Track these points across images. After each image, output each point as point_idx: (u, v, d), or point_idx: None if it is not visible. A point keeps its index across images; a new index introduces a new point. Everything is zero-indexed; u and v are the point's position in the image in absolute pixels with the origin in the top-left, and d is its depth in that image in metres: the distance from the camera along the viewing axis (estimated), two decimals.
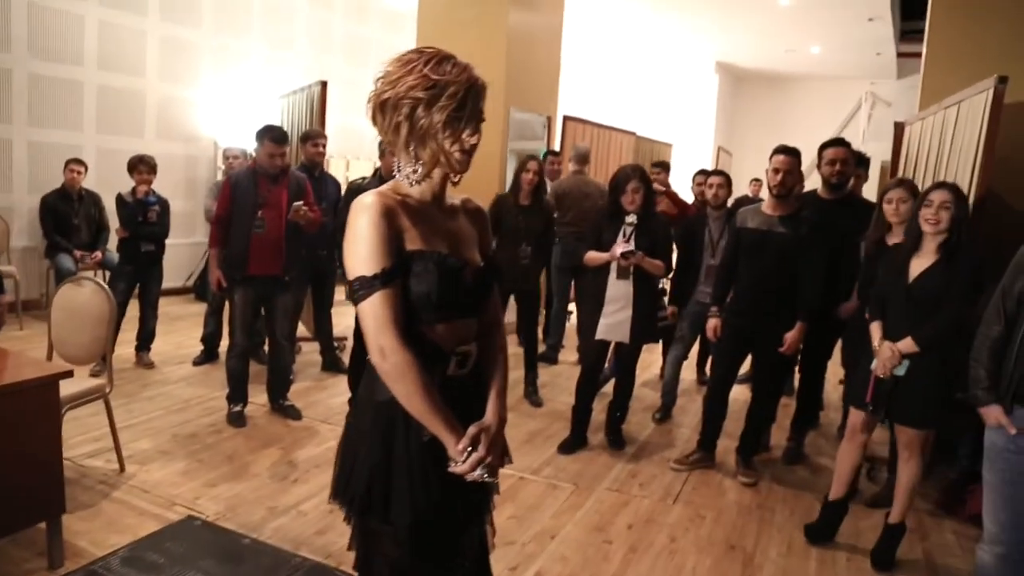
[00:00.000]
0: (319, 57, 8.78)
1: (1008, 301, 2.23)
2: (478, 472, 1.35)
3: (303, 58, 8.58)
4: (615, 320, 3.81)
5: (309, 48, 8.71)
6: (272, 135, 3.90)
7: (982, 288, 2.66)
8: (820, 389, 4.37)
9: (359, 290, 1.32)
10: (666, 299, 4.47)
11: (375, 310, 1.31)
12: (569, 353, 5.84)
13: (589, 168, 6.01)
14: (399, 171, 1.43)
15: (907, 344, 2.77)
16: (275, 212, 3.92)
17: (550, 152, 6.39)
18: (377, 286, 1.31)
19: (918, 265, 2.80)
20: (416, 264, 1.36)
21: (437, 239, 1.41)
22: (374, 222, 1.32)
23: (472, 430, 1.36)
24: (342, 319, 5.49)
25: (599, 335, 3.84)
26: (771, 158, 3.57)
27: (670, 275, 4.29)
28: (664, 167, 6.34)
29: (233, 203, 3.91)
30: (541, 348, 5.79)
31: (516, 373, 4.89)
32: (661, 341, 4.78)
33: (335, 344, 5.25)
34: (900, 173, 5.01)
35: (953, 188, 2.76)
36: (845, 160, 3.78)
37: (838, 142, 3.87)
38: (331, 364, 5.15)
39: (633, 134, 8.91)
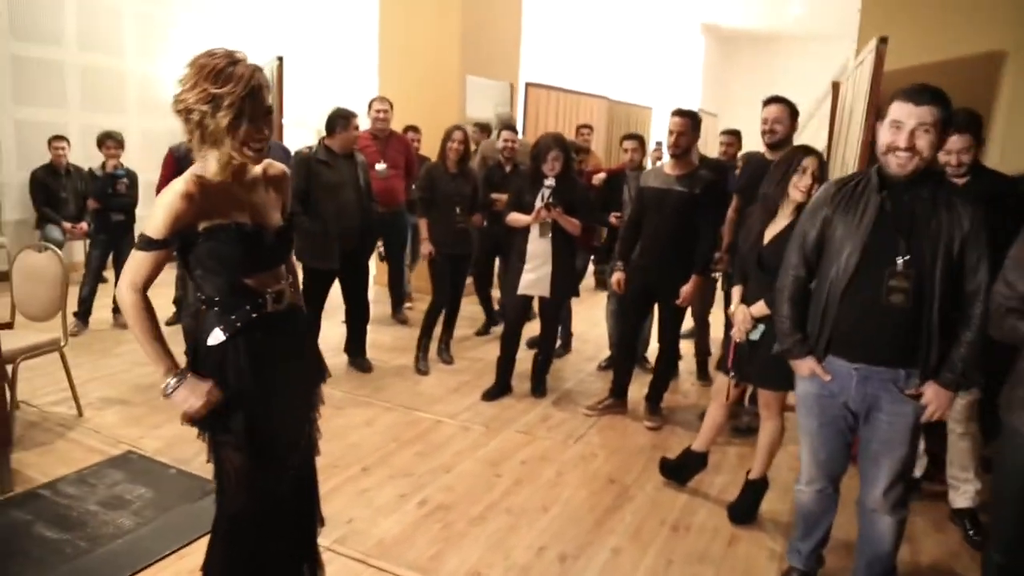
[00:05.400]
0: (277, 30, 8.81)
1: (807, 248, 2.27)
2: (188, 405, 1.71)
3: (260, 31, 8.60)
4: (536, 276, 4.09)
5: (267, 20, 8.77)
6: None
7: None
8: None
9: (140, 243, 1.68)
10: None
11: (138, 262, 1.68)
12: None
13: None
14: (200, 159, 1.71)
15: (759, 308, 2.78)
16: None
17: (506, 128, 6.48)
18: (148, 248, 1.66)
19: (772, 230, 2.81)
20: (220, 233, 1.70)
21: (237, 211, 1.74)
22: (172, 202, 1.65)
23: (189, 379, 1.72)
24: None
25: (521, 290, 4.14)
26: (671, 119, 3.80)
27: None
28: (589, 128, 6.65)
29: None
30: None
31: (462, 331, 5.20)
32: None
33: None
34: (836, 132, 5.15)
35: (819, 154, 2.83)
36: (777, 119, 3.69)
37: (773, 100, 3.76)
38: None
39: (605, 99, 9.06)
